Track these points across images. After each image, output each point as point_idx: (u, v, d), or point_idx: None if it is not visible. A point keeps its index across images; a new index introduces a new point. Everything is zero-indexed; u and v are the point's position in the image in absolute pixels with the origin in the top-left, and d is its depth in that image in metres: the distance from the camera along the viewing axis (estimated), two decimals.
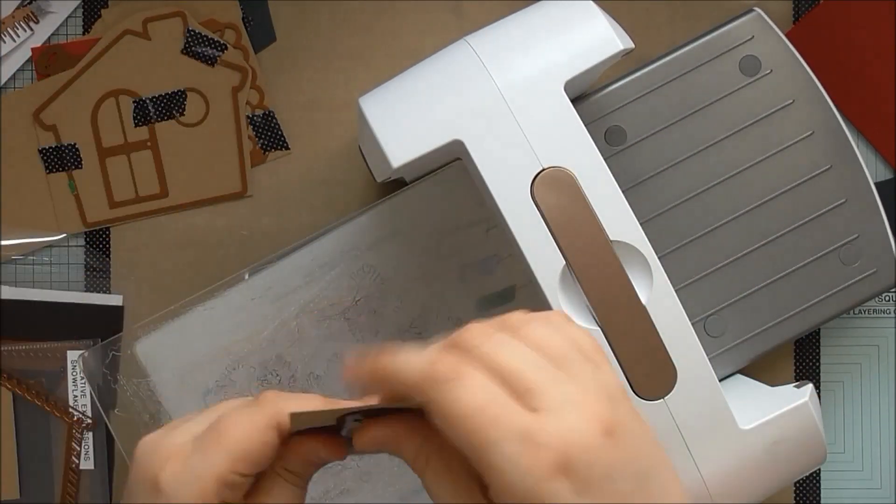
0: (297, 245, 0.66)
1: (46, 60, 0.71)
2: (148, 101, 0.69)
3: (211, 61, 0.68)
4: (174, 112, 0.69)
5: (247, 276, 0.66)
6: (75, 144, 0.69)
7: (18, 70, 0.71)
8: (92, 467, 0.69)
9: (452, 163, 0.65)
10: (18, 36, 0.71)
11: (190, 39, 0.69)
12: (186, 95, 0.69)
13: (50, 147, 0.69)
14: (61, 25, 0.71)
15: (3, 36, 0.70)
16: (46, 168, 0.69)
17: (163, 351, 0.66)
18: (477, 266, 0.66)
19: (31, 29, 0.71)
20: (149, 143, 0.69)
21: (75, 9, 0.71)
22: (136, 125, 0.69)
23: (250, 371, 0.66)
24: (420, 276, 0.66)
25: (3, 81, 0.71)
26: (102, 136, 0.70)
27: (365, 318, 0.66)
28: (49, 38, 0.71)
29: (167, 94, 0.69)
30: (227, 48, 0.67)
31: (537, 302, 0.65)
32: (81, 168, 0.69)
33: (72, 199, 0.70)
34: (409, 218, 0.66)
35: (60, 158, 0.69)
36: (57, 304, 0.70)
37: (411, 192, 0.66)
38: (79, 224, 0.70)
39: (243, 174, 0.69)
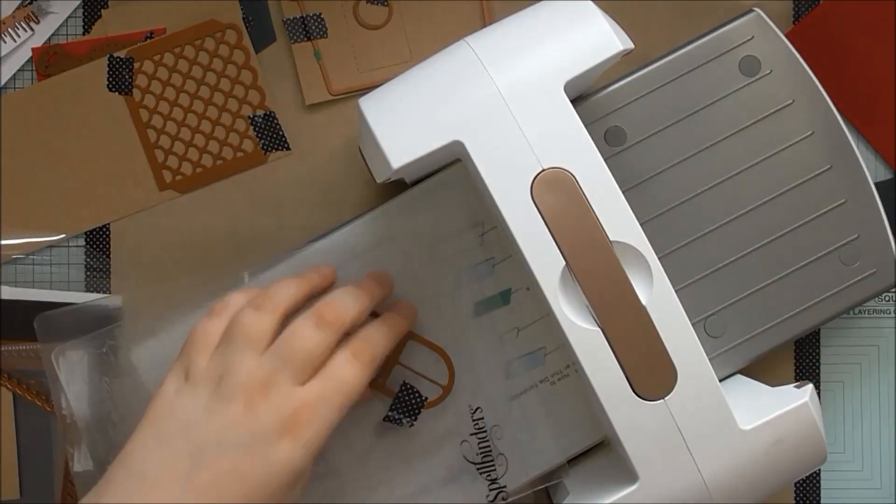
0: (291, 251, 0.66)
1: (46, 60, 0.71)
2: None
3: None
4: None
5: (246, 278, 0.66)
6: (320, 14, 0.68)
7: (18, 70, 0.71)
8: (91, 468, 0.69)
9: (446, 168, 0.65)
10: (19, 36, 0.71)
11: None
12: None
13: (294, 18, 0.68)
14: (61, 26, 0.71)
15: (3, 36, 0.70)
16: (291, 38, 0.69)
17: (156, 358, 0.66)
18: (472, 270, 0.66)
19: (32, 29, 0.71)
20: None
21: (75, 9, 0.71)
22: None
23: None
24: (415, 281, 0.65)
25: (4, 82, 0.71)
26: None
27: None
28: (49, 38, 0.71)
29: None
30: None
31: (534, 304, 0.65)
32: (327, 37, 0.68)
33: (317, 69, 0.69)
34: (403, 224, 0.65)
35: (305, 28, 0.68)
36: (57, 304, 0.70)
37: (404, 199, 0.66)
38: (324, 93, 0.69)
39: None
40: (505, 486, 0.65)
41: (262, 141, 0.70)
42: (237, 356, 0.57)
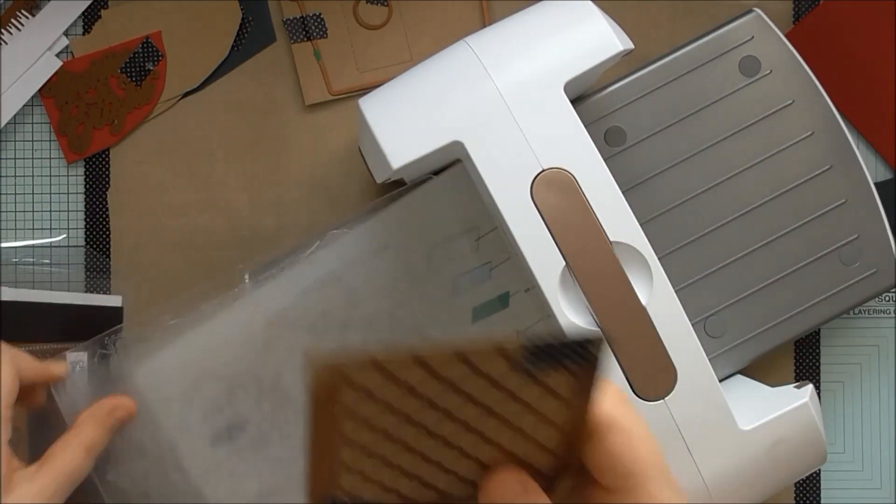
0: (291, 252, 0.66)
1: (49, 83, 0.70)
2: None
3: None
4: None
5: (246, 278, 0.66)
6: (320, 14, 0.68)
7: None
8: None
9: (439, 174, 0.65)
10: (22, 25, 0.70)
11: None
12: None
13: (294, 18, 0.68)
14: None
15: (4, 30, 0.70)
16: (291, 38, 0.69)
17: (163, 376, 0.65)
18: (470, 275, 0.66)
19: (32, 14, 0.70)
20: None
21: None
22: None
23: (248, 390, 0.66)
24: (412, 289, 0.65)
25: (7, 88, 0.71)
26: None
27: (361, 333, 0.66)
28: (54, 42, 0.70)
29: None
30: None
31: (533, 306, 0.65)
32: (327, 37, 0.68)
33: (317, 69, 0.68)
34: (397, 232, 0.65)
35: (305, 28, 0.68)
36: (57, 305, 0.70)
37: (397, 208, 0.66)
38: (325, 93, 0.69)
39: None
40: None
41: None
42: None
